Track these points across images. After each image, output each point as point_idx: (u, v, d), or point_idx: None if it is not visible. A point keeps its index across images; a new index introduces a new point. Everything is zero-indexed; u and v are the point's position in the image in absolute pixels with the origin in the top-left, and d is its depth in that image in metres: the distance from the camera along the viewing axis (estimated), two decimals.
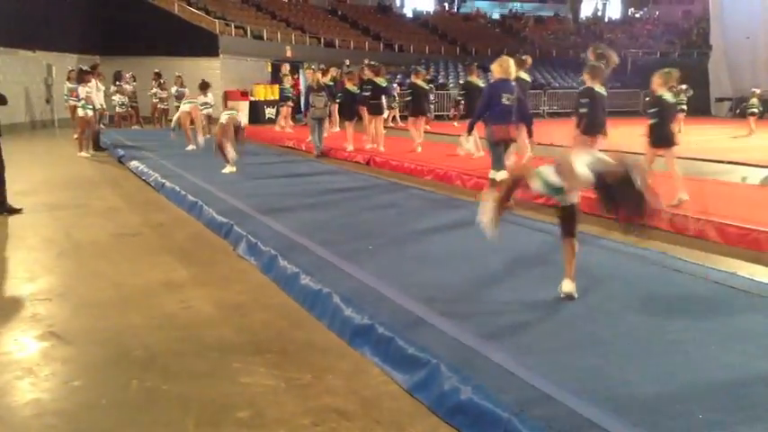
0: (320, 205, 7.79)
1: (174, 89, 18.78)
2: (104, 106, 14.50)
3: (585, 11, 49.51)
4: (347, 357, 3.71)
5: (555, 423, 2.69)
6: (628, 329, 3.80)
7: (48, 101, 21.52)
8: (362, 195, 8.77)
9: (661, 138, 7.42)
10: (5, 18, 19.39)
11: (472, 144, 10.49)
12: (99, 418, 3.07)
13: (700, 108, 30.32)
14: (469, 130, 8.66)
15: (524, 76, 10.36)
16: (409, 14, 44.29)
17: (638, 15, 48.80)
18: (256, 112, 22.75)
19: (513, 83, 7.96)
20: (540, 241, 6.06)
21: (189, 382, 3.41)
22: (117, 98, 19.29)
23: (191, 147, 14.00)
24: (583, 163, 3.78)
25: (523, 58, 10.59)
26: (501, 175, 7.62)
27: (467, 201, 8.10)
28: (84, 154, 13.84)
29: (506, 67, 7.86)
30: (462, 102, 9.55)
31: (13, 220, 7.46)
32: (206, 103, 15.12)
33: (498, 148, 7.99)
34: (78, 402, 3.21)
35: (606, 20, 48.91)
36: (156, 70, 20.88)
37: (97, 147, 14.58)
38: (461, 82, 16.21)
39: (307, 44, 30.12)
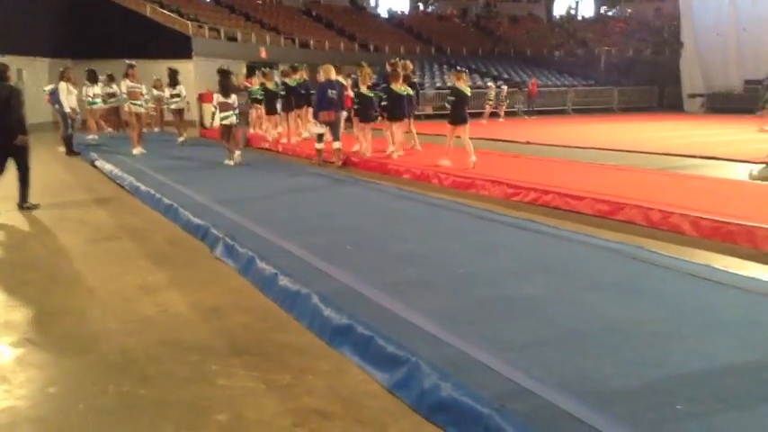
0: (293, 204, 7.78)
1: (154, 92, 18.75)
2: (76, 110, 14.29)
3: (559, 9, 49.94)
4: (327, 357, 3.70)
5: (535, 417, 2.70)
6: (606, 323, 3.83)
7: None
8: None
9: (456, 118, 10.55)
10: None
11: (315, 127, 12.44)
12: (76, 424, 3.02)
13: (672, 104, 30.76)
14: (315, 117, 11.97)
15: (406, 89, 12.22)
16: (384, 14, 44.31)
17: (610, 14, 49.26)
18: None
19: (336, 83, 11.58)
20: (524, 240, 6.10)
21: (167, 386, 3.38)
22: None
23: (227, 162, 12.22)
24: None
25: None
26: (320, 146, 11.86)
27: (444, 199, 8.15)
28: (139, 150, 13.54)
29: (330, 73, 11.53)
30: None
31: None
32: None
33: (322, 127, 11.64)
34: (54, 409, 3.16)
35: (579, 18, 49.35)
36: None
37: (70, 150, 14.39)
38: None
39: (281, 45, 30.03)
